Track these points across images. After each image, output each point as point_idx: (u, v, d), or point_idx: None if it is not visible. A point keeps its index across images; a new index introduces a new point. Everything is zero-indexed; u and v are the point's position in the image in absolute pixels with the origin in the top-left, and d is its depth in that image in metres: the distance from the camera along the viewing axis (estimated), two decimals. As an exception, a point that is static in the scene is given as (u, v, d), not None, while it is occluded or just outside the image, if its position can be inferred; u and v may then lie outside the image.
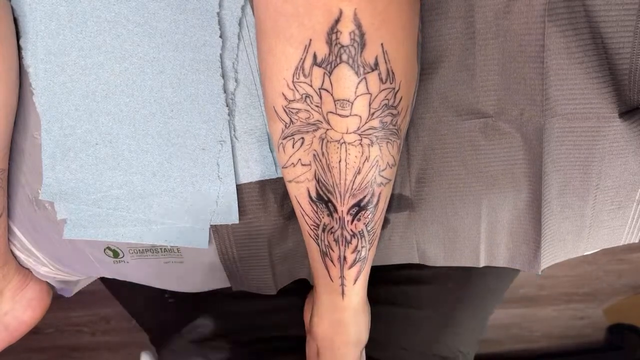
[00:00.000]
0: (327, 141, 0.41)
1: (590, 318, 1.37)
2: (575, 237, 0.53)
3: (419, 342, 0.65)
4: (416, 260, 0.57)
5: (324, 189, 0.44)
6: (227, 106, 0.48)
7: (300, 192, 0.45)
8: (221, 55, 0.47)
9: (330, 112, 0.40)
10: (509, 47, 0.45)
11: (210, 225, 0.52)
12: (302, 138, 0.42)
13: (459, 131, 0.49)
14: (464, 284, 0.64)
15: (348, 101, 0.39)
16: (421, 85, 0.47)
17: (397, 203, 0.52)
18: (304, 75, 0.38)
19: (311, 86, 0.39)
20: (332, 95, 0.39)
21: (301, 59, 0.38)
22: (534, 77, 0.45)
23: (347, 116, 0.39)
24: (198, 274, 0.58)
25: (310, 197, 0.45)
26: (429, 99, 0.48)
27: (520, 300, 1.33)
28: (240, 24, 0.47)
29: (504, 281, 0.68)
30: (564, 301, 1.35)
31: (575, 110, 0.45)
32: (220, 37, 0.46)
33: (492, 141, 0.49)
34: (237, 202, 0.50)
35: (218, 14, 0.46)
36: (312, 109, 0.40)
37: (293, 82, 0.39)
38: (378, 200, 0.45)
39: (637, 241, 0.55)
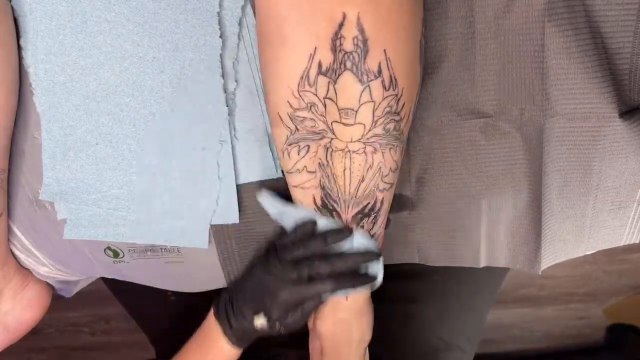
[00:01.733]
0: (332, 150, 0.42)
1: (590, 318, 1.37)
2: (575, 237, 0.53)
3: (414, 335, 0.65)
4: (416, 260, 0.57)
5: (329, 197, 0.44)
6: (227, 106, 0.48)
7: (306, 199, 0.45)
8: (221, 55, 0.47)
9: (335, 121, 0.40)
10: (509, 47, 0.45)
11: (210, 225, 0.52)
12: (308, 146, 0.42)
13: (459, 131, 0.49)
14: (452, 278, 0.64)
15: (352, 110, 0.39)
16: (422, 85, 0.47)
17: (397, 203, 0.52)
18: (309, 85, 0.38)
19: (316, 95, 0.39)
20: (336, 104, 0.39)
21: (306, 68, 0.38)
22: (534, 77, 0.45)
23: (352, 125, 0.40)
24: (198, 274, 0.58)
25: (316, 204, 0.45)
26: (429, 99, 0.48)
27: (520, 300, 1.32)
28: (240, 24, 0.47)
29: (495, 276, 0.68)
30: (564, 301, 1.35)
31: (575, 110, 0.45)
32: (220, 37, 0.46)
33: (492, 141, 0.49)
34: (237, 202, 0.50)
35: (218, 14, 0.46)
36: (317, 117, 0.40)
37: (298, 91, 0.39)
38: (381, 206, 0.45)
39: (637, 241, 0.54)
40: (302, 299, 0.48)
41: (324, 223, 0.46)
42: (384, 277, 0.49)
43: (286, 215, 0.48)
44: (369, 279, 0.48)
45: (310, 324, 0.54)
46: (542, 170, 0.48)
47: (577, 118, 0.46)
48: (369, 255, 0.48)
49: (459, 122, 0.48)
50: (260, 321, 0.50)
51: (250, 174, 0.50)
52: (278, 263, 0.48)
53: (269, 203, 0.49)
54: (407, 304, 0.65)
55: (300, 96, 0.39)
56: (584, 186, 0.49)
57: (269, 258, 0.49)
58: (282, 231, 0.50)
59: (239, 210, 0.51)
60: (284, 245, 0.48)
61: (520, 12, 0.44)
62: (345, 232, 0.47)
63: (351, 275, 0.48)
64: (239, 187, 0.50)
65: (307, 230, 0.47)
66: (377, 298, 0.53)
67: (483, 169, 0.50)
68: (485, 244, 0.54)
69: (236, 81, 0.48)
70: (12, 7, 0.47)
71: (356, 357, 0.53)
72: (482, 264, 0.56)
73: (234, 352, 0.53)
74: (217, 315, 0.52)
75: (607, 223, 0.52)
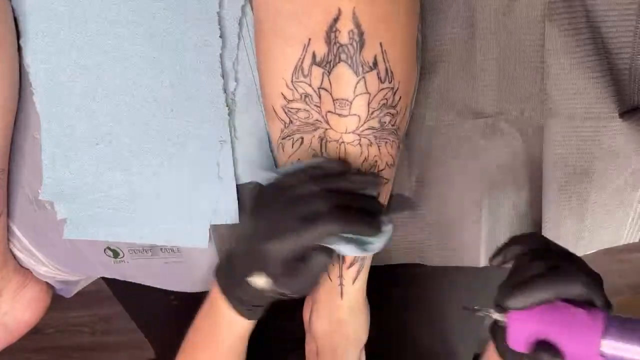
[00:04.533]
0: (327, 141, 0.41)
1: (590, 318, 1.37)
2: (575, 237, 0.53)
3: (412, 340, 0.65)
4: (416, 260, 0.57)
5: None
6: (227, 106, 0.48)
7: None
8: (221, 55, 0.47)
9: (330, 111, 0.40)
10: (509, 47, 0.45)
11: (210, 225, 0.52)
12: (302, 138, 0.42)
13: (459, 131, 0.49)
14: (449, 282, 0.64)
15: (347, 100, 0.39)
16: (421, 85, 0.47)
17: (397, 203, 0.52)
18: (303, 75, 0.38)
19: (310, 86, 0.39)
20: (331, 94, 0.39)
21: (300, 58, 0.38)
22: (534, 77, 0.45)
23: (346, 116, 0.39)
24: (198, 274, 0.58)
25: None
26: (429, 99, 0.48)
27: (520, 300, 1.32)
28: (240, 23, 0.47)
29: (493, 278, 0.68)
30: (564, 301, 1.35)
31: (575, 110, 0.46)
32: (220, 37, 0.46)
33: (492, 141, 0.49)
34: (237, 202, 0.50)
35: (218, 13, 0.46)
36: (311, 108, 0.40)
37: (292, 81, 0.39)
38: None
39: (637, 241, 0.54)
40: (302, 247, 0.38)
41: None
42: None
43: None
44: (376, 226, 0.40)
45: (306, 325, 0.54)
46: (542, 170, 0.48)
47: (577, 118, 0.46)
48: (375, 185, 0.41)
49: (459, 122, 0.48)
50: (260, 281, 0.40)
51: (250, 174, 0.50)
52: (275, 204, 0.40)
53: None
54: (403, 309, 0.65)
55: (294, 87, 0.39)
56: (583, 186, 0.49)
57: (265, 200, 0.41)
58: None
59: (239, 210, 0.51)
60: (286, 184, 0.40)
61: (520, 12, 0.44)
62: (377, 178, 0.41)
63: (358, 214, 0.39)
64: (239, 187, 0.50)
65: (329, 168, 0.40)
66: (374, 304, 0.53)
67: (483, 169, 0.50)
68: (485, 244, 0.54)
69: (236, 81, 0.48)
70: (12, 7, 0.47)
71: (352, 357, 0.53)
72: (482, 263, 0.56)
73: (245, 324, 0.45)
74: (218, 285, 0.44)
75: (607, 223, 0.52)
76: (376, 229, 0.40)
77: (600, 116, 0.45)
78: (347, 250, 0.40)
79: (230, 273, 0.43)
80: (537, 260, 0.37)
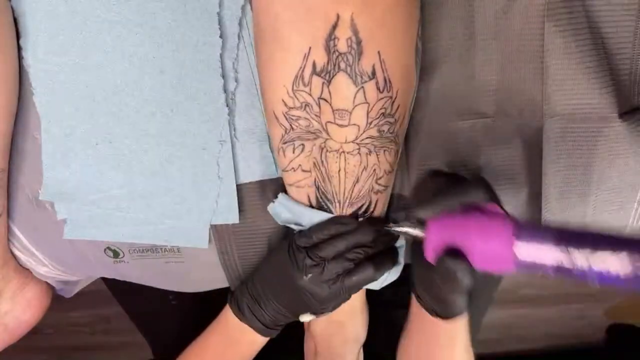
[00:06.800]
0: (327, 150, 0.42)
1: (590, 318, 1.37)
2: (575, 238, 0.53)
3: None
4: (416, 260, 0.57)
5: (323, 197, 0.44)
6: (227, 106, 0.48)
7: (301, 197, 0.45)
8: (221, 55, 0.47)
9: (329, 121, 0.40)
10: (509, 47, 0.45)
11: (210, 225, 0.52)
12: (303, 145, 0.42)
13: (459, 131, 0.49)
14: None
15: (346, 111, 0.39)
16: (421, 85, 0.47)
17: (397, 203, 0.52)
18: (304, 84, 0.39)
19: (310, 95, 0.39)
20: (330, 105, 0.39)
21: (301, 67, 0.38)
22: (533, 77, 0.45)
23: (346, 126, 0.40)
24: (198, 274, 0.58)
25: (310, 203, 0.45)
26: (429, 99, 0.48)
27: (520, 300, 1.32)
28: (240, 24, 0.47)
29: (489, 280, 0.68)
30: (564, 301, 1.35)
31: (575, 111, 0.46)
32: (220, 37, 0.46)
33: (491, 141, 0.49)
34: (237, 202, 0.50)
35: (218, 14, 0.46)
36: (311, 117, 0.40)
37: (293, 90, 0.39)
38: (375, 207, 0.45)
39: (637, 241, 0.54)
40: (347, 289, 0.47)
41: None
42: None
43: (305, 218, 0.46)
44: (396, 253, 0.48)
45: (305, 324, 0.54)
46: (542, 171, 0.48)
47: (576, 118, 0.46)
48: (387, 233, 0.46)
49: (458, 122, 0.48)
50: (307, 318, 0.50)
51: (250, 174, 0.50)
52: (310, 261, 0.45)
53: (286, 206, 0.47)
54: (402, 308, 0.65)
55: (294, 95, 0.39)
56: (584, 187, 0.49)
57: (297, 260, 0.46)
58: (300, 232, 0.47)
59: (239, 210, 0.51)
60: (316, 244, 0.46)
61: (520, 12, 0.44)
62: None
63: (384, 254, 0.47)
64: (239, 187, 0.50)
65: (340, 227, 0.45)
66: (372, 304, 0.53)
67: (482, 170, 0.50)
68: (485, 244, 0.54)
69: (236, 81, 0.48)
70: (12, 7, 0.47)
71: (350, 357, 0.53)
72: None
73: (263, 340, 0.53)
74: (242, 317, 0.51)
75: (607, 224, 0.52)
76: (396, 262, 0.48)
77: (600, 117, 0.45)
78: (376, 285, 0.49)
79: (264, 312, 0.50)
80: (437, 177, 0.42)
